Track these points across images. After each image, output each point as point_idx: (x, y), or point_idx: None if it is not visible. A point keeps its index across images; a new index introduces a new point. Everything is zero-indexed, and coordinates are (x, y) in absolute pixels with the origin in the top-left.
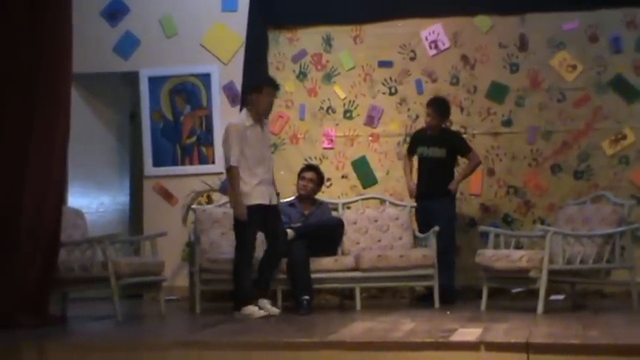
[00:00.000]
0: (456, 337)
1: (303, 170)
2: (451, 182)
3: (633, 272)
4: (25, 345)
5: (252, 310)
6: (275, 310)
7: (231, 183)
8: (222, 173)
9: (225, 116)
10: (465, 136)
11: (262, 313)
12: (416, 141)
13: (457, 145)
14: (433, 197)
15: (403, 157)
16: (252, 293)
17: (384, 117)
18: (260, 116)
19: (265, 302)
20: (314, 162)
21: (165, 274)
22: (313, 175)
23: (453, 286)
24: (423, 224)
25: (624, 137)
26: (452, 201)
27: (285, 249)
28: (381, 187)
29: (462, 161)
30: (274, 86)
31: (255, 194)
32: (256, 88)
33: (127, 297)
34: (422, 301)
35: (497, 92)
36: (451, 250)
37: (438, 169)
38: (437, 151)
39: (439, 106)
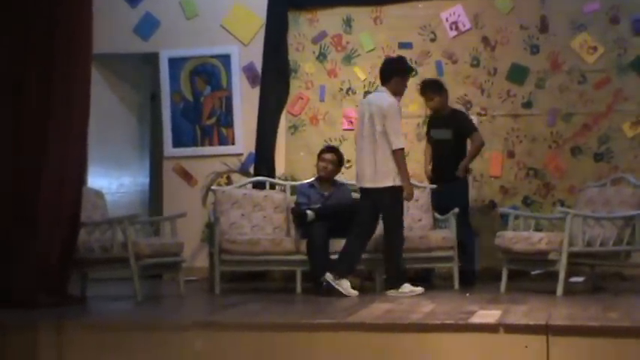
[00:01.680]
0: (476, 319)
1: (322, 152)
2: (458, 168)
3: None
4: (44, 325)
5: (410, 287)
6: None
7: (402, 164)
8: (241, 154)
9: (246, 97)
10: (484, 117)
11: (419, 290)
12: (429, 123)
13: (461, 126)
14: (442, 181)
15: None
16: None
17: (404, 98)
18: (397, 97)
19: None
20: (334, 143)
21: (185, 255)
22: (333, 157)
23: (472, 269)
24: (437, 208)
25: None
26: (462, 185)
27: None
28: None
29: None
30: (410, 69)
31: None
32: (403, 71)
33: (147, 277)
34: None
35: (517, 74)
36: (465, 233)
37: (446, 152)
38: (444, 133)
39: (426, 88)
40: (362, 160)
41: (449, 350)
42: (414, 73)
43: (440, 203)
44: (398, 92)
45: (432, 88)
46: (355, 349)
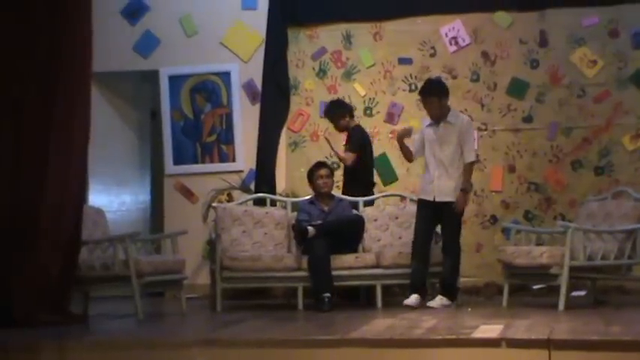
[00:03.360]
0: (478, 334)
1: (316, 169)
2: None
3: None
4: (45, 344)
5: (411, 299)
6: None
7: None
8: (242, 171)
9: (246, 114)
10: (484, 132)
11: (412, 302)
12: None
13: (350, 142)
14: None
15: None
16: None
17: (404, 114)
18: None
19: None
20: (335, 160)
21: (186, 273)
22: (328, 171)
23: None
24: None
25: None
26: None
27: (454, 245)
28: (402, 184)
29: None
30: (424, 94)
31: (422, 189)
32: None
33: (148, 295)
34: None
35: (517, 88)
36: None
37: (346, 170)
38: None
39: (331, 111)
40: None
41: None
42: (428, 93)
43: None
44: (429, 115)
45: (334, 111)
46: None
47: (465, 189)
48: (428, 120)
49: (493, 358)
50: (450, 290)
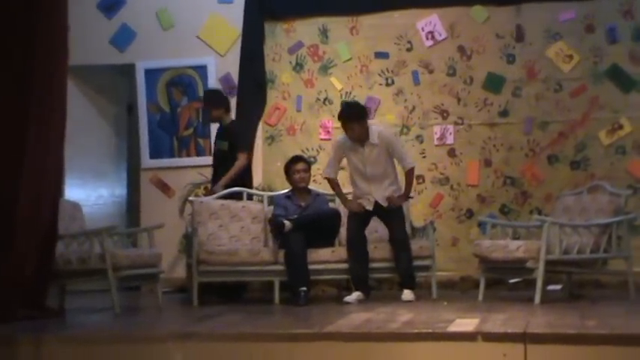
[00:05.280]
0: (454, 328)
1: (292, 164)
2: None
3: (630, 262)
4: (22, 338)
5: (352, 296)
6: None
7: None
8: None
9: None
10: (461, 126)
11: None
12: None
13: (233, 140)
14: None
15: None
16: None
17: (381, 108)
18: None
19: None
20: (311, 153)
21: (163, 266)
22: (305, 165)
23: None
24: None
25: (621, 127)
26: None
27: (402, 242)
28: None
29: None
30: (344, 119)
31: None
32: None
33: (125, 289)
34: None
35: (493, 83)
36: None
37: (222, 162)
38: (221, 144)
39: (206, 99)
40: None
41: (427, 359)
42: (349, 118)
43: None
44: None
45: (213, 99)
46: (334, 359)
47: (407, 195)
48: (344, 137)
49: (469, 351)
50: (413, 280)
